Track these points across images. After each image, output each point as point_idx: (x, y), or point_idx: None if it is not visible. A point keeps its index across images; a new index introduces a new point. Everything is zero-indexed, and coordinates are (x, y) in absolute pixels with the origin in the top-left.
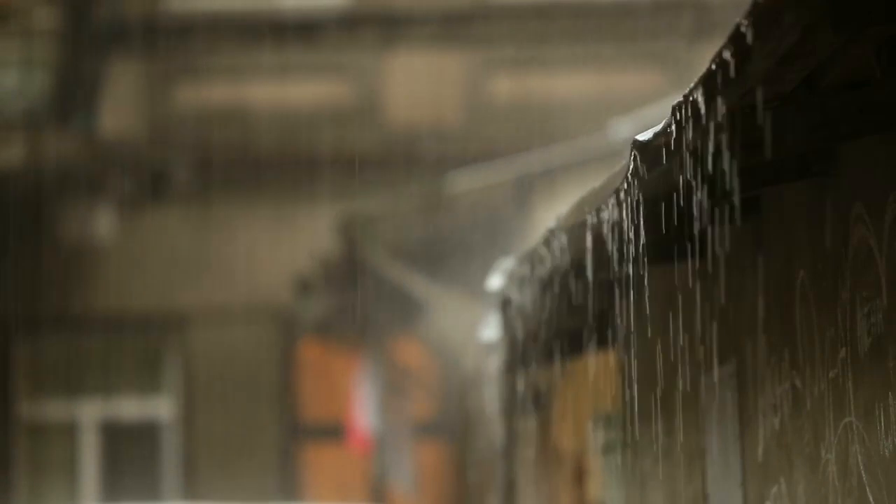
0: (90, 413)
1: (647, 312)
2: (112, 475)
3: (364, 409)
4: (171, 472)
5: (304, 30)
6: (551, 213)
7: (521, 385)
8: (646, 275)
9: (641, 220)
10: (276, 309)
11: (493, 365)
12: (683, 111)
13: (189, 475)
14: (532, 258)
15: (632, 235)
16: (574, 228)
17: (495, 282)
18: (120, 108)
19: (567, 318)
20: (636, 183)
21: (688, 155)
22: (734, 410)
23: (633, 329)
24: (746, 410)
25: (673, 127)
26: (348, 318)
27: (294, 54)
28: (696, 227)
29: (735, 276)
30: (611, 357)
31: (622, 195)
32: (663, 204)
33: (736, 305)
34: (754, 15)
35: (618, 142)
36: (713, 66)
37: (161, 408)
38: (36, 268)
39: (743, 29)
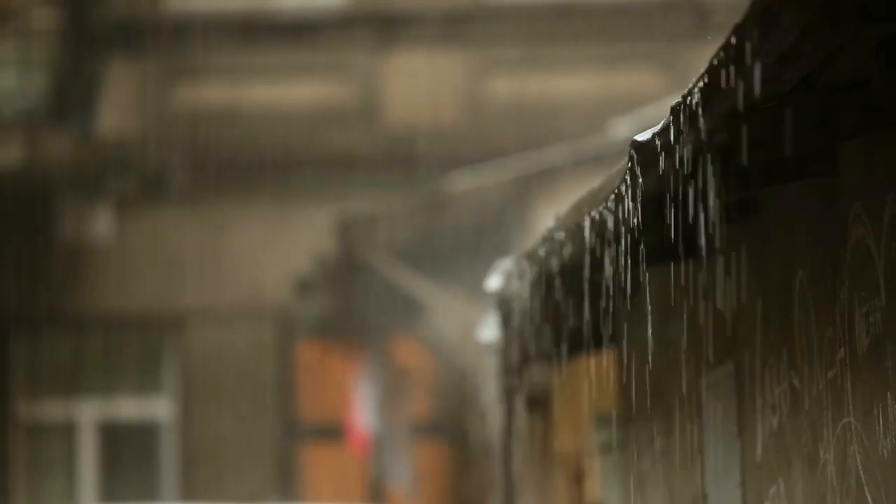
0: (89, 413)
1: (646, 312)
2: (111, 475)
3: (363, 409)
4: (169, 472)
5: (303, 30)
6: (551, 213)
7: (520, 385)
8: (645, 274)
9: (640, 219)
10: (276, 309)
11: (493, 365)
12: (682, 111)
13: (188, 475)
14: (531, 258)
15: (631, 235)
16: (573, 228)
17: (495, 282)
18: (119, 108)
19: (566, 318)
20: (635, 183)
21: (687, 155)
22: (733, 410)
23: (632, 329)
24: (745, 410)
25: (672, 127)
26: (347, 318)
27: (293, 54)
28: (695, 226)
29: (734, 276)
30: (610, 357)
31: (621, 195)
32: (662, 204)
33: (735, 305)
34: (754, 15)
35: (618, 142)
36: (712, 66)
37: (160, 408)
38: (35, 268)
39: (742, 29)
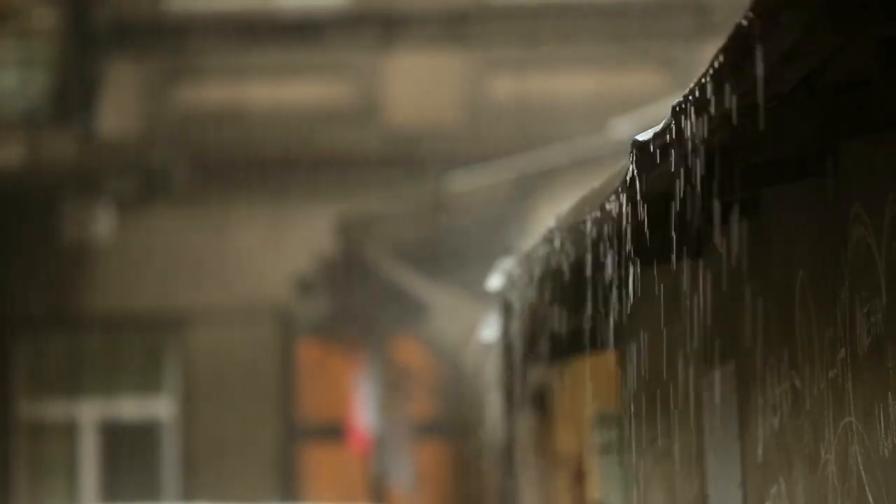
0: (90, 413)
1: (647, 312)
2: (112, 475)
3: (364, 409)
4: (170, 472)
5: (304, 30)
6: (551, 213)
7: (520, 385)
8: (645, 274)
9: (641, 220)
10: (276, 309)
11: (493, 365)
12: (683, 111)
13: (189, 475)
14: (532, 258)
15: (631, 235)
16: (574, 228)
17: (495, 282)
18: (120, 108)
19: (567, 318)
20: (636, 183)
21: (687, 155)
22: (733, 410)
23: (632, 329)
24: (746, 410)
25: (672, 127)
26: (348, 317)
27: (293, 54)
28: (696, 226)
29: (734, 276)
30: (610, 357)
31: (622, 195)
32: (663, 204)
33: (735, 305)
34: (754, 14)
35: (618, 142)
36: (713, 66)
37: (161, 408)
38: (36, 268)
39: (742, 29)
